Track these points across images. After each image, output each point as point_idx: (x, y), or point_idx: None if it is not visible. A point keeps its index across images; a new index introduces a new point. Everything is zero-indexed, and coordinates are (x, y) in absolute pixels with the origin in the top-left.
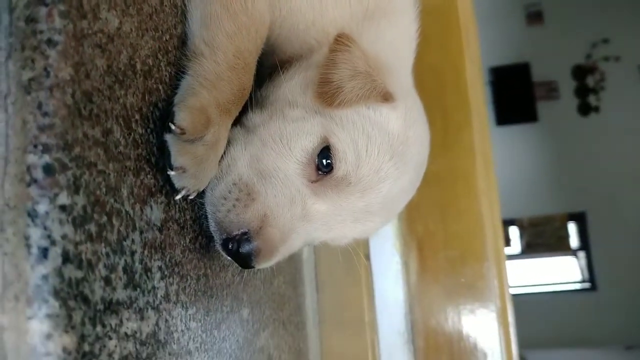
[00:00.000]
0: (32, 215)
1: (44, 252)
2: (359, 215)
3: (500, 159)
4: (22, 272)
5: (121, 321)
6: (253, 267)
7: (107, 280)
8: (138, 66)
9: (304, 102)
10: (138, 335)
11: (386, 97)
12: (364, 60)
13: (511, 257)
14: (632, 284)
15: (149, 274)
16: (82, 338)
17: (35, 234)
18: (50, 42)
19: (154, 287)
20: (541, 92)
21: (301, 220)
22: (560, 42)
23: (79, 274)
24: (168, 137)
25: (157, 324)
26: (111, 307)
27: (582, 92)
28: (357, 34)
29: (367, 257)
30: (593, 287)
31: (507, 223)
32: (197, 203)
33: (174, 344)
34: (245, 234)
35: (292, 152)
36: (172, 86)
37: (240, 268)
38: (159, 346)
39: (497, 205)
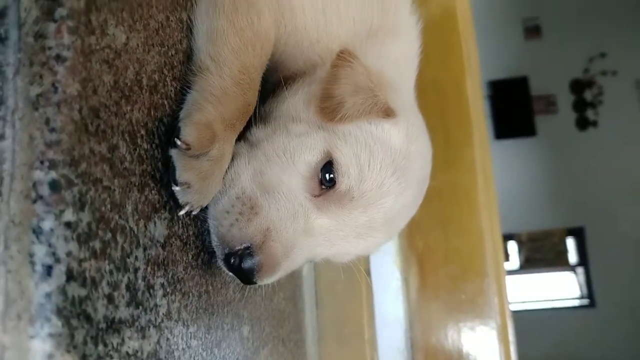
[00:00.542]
0: (37, 232)
1: (48, 270)
2: (362, 231)
3: (498, 173)
4: (26, 290)
5: (123, 340)
6: (255, 283)
7: (110, 298)
8: (144, 81)
9: (307, 117)
10: (139, 354)
11: (388, 113)
12: (366, 76)
13: (510, 272)
14: (631, 301)
15: (151, 291)
16: (84, 358)
17: (40, 251)
18: (58, 58)
19: (156, 305)
20: (539, 105)
21: (304, 235)
22: (558, 56)
23: (83, 292)
24: (173, 152)
25: (158, 342)
26: (113, 325)
27: (580, 106)
28: (361, 51)
29: (368, 272)
30: (592, 304)
31: (505, 238)
32: (200, 218)
33: None
34: (247, 248)
35: (295, 166)
36: (178, 101)
37: (241, 284)
38: None
39: (497, 221)
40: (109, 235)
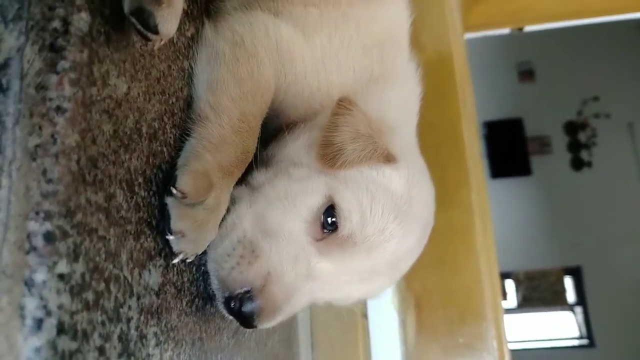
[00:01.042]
0: (29, 284)
1: (39, 323)
2: (365, 276)
3: (494, 212)
4: (14, 344)
5: None
6: (255, 326)
7: (102, 350)
8: (144, 129)
9: (309, 161)
10: None
11: (388, 159)
12: (365, 122)
13: (507, 310)
14: (631, 341)
15: (144, 340)
16: None
17: (31, 304)
18: (59, 110)
19: (148, 355)
20: (534, 146)
21: (305, 279)
22: (551, 98)
23: (73, 346)
24: (169, 200)
25: None
26: None
27: (575, 147)
28: (362, 97)
29: (365, 315)
30: (591, 344)
31: (502, 276)
32: (195, 264)
33: None
34: (247, 292)
35: (297, 210)
36: (177, 148)
37: (237, 328)
38: None
39: (495, 261)
40: (103, 285)
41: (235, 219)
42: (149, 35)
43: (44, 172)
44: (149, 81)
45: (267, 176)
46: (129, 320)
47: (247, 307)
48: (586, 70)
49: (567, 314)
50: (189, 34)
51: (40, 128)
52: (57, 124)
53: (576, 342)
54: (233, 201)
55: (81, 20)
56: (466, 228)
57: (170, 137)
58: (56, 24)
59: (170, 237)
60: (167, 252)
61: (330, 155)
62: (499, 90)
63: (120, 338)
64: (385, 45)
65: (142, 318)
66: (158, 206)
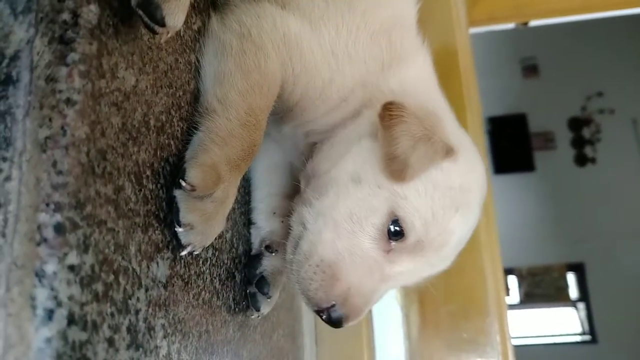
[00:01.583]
0: (40, 275)
1: (50, 314)
2: (435, 262)
3: (498, 207)
4: (25, 334)
5: None
6: (343, 326)
7: (111, 342)
8: (152, 122)
9: (366, 177)
10: None
11: (448, 152)
12: (418, 123)
13: (510, 306)
14: (633, 337)
15: (152, 332)
16: None
17: (42, 295)
18: (68, 102)
19: (156, 347)
20: (538, 142)
21: (381, 282)
22: (555, 94)
23: (83, 336)
24: (177, 193)
25: None
26: None
27: (579, 143)
28: (380, 84)
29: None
30: (594, 340)
31: (505, 272)
32: (201, 257)
33: None
34: (333, 306)
35: (364, 230)
36: (184, 141)
37: (241, 322)
38: None
39: (498, 257)
40: (112, 277)
41: (311, 246)
42: (156, 27)
43: (54, 164)
44: (156, 74)
45: (329, 200)
46: (137, 312)
47: (335, 314)
48: (590, 66)
49: (570, 310)
50: (195, 27)
51: (50, 120)
52: (67, 116)
53: (579, 338)
54: (303, 226)
55: (90, 12)
56: None
57: (178, 130)
58: (65, 16)
59: (179, 230)
60: (175, 244)
61: (397, 171)
62: (503, 86)
63: (129, 329)
64: (392, 30)
65: (150, 310)
66: (166, 199)
